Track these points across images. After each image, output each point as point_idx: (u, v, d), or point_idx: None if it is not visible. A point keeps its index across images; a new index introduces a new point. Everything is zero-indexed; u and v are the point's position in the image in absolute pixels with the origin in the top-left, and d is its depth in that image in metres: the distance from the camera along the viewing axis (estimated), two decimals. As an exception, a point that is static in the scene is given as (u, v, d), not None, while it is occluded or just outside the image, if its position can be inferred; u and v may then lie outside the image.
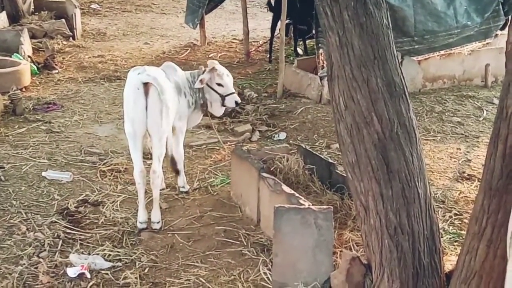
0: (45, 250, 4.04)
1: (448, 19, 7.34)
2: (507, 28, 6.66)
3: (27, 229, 4.29)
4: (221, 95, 4.81)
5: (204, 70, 4.77)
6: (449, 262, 3.51)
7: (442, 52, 7.72)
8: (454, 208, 4.65)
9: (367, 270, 3.24)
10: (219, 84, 4.78)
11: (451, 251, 3.92)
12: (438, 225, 3.17)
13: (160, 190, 4.59)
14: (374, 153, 2.99)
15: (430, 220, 3.09)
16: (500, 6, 7.82)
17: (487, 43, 8.11)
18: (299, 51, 9.20)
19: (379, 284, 3.09)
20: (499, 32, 8.05)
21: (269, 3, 9.38)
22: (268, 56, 9.23)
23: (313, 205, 3.85)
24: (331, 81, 3.15)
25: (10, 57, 7.89)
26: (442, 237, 4.08)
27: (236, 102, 4.92)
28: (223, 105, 4.90)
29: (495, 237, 2.51)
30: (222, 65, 5.00)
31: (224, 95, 4.81)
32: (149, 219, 4.38)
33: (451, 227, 4.35)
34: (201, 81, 4.67)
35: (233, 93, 4.87)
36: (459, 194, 4.91)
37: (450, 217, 4.52)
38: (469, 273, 2.66)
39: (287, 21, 8.10)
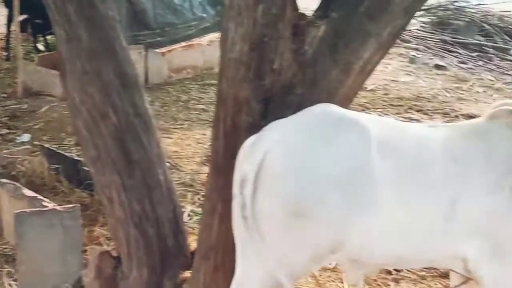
0: None
1: (185, 11, 7.66)
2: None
3: None
4: None
5: None
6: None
7: (183, 43, 8.01)
8: (202, 190, 4.87)
9: (118, 263, 3.23)
10: None
11: (199, 230, 4.11)
12: (180, 208, 3.29)
13: None
14: (113, 145, 2.98)
15: (173, 204, 3.18)
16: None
17: (223, 34, 8.64)
18: (40, 47, 8.73)
19: (129, 274, 3.10)
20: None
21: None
22: (5, 54, 8.58)
23: (60, 205, 3.71)
24: (63, 76, 3.05)
25: None
26: (191, 218, 4.30)
27: None
28: None
29: (225, 212, 2.67)
30: None
31: None
32: None
33: (199, 209, 4.57)
34: None
35: None
36: (206, 177, 5.16)
37: (199, 199, 4.73)
38: (207, 248, 2.79)
39: (25, 16, 7.63)
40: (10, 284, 3.55)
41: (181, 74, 8.02)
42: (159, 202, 3.09)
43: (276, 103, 2.43)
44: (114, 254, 3.25)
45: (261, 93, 2.40)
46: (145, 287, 3.06)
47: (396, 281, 3.68)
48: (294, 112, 2.41)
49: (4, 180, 4.01)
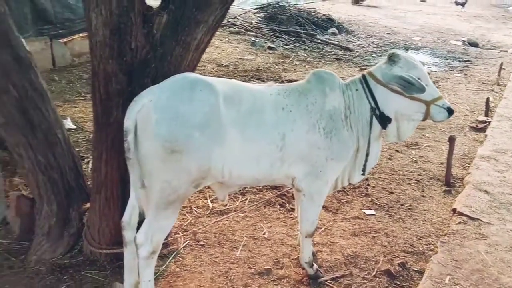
0: None
1: (80, 10, 7.01)
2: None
3: None
4: None
5: None
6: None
7: (81, 34, 7.37)
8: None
9: (33, 202, 2.99)
10: None
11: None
12: (78, 158, 3.07)
13: None
14: (17, 113, 2.69)
15: (72, 155, 2.98)
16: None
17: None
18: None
19: (42, 209, 2.89)
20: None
21: None
22: None
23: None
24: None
25: None
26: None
27: None
28: None
29: (109, 157, 2.57)
30: None
31: None
32: None
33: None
34: None
35: None
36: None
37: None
38: (99, 185, 2.68)
39: None
40: None
41: (82, 58, 7.38)
42: (60, 154, 2.88)
43: (137, 74, 2.32)
44: (30, 196, 3.00)
45: (125, 67, 2.28)
46: (55, 218, 2.87)
47: (243, 194, 3.79)
48: (152, 80, 2.32)
49: None
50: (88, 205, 2.91)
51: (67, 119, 5.06)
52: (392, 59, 2.43)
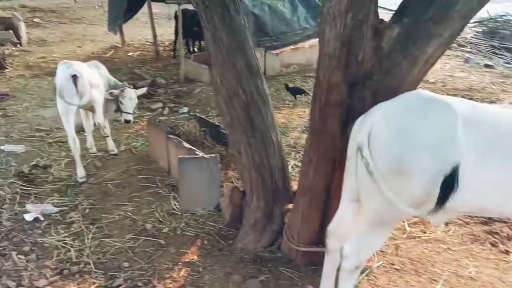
0: (6, 203, 3.76)
1: (294, 23, 7.54)
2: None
3: (-10, 189, 3.95)
4: (121, 110, 4.59)
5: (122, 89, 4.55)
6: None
7: (291, 46, 7.92)
8: (302, 150, 4.85)
9: (243, 195, 3.34)
10: (121, 102, 4.56)
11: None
12: (286, 161, 3.30)
13: (93, 153, 4.43)
14: (242, 114, 3.04)
15: (281, 158, 3.22)
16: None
17: (321, 40, 8.41)
18: (193, 49, 9.03)
19: (251, 203, 3.21)
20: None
21: (175, 17, 8.99)
22: (172, 53, 8.98)
23: (206, 155, 3.88)
24: (210, 66, 3.15)
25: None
26: (294, 169, 4.31)
27: (126, 120, 4.61)
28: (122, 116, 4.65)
29: (319, 163, 2.67)
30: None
31: (122, 111, 4.60)
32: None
33: (299, 163, 4.56)
34: (110, 94, 4.45)
35: (129, 113, 4.57)
36: (304, 141, 5.12)
37: (299, 156, 4.72)
38: (305, 188, 2.82)
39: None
40: (175, 204, 3.79)
41: (289, 68, 7.96)
42: (272, 156, 3.13)
43: (358, 86, 2.35)
44: (241, 189, 3.36)
45: (348, 79, 2.33)
46: (261, 213, 3.16)
47: (446, 224, 3.47)
48: (373, 93, 2.31)
49: (171, 136, 4.26)
50: (290, 206, 3.10)
51: (273, 123, 5.51)
52: None
